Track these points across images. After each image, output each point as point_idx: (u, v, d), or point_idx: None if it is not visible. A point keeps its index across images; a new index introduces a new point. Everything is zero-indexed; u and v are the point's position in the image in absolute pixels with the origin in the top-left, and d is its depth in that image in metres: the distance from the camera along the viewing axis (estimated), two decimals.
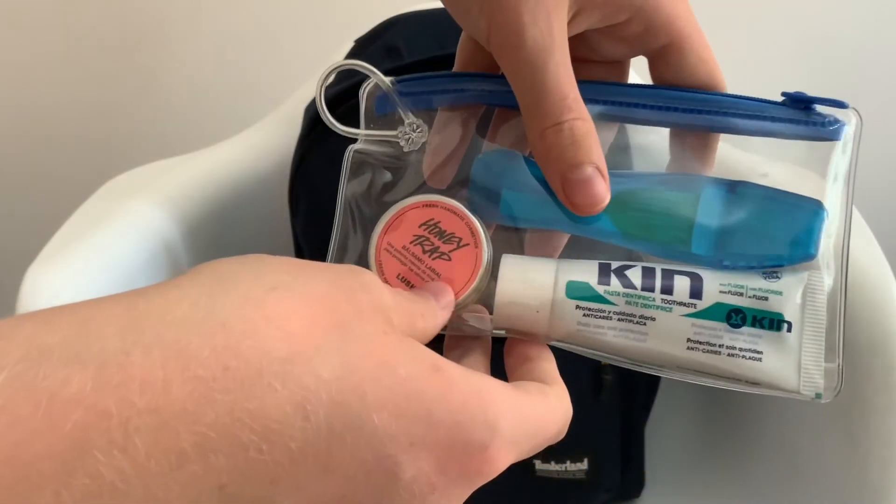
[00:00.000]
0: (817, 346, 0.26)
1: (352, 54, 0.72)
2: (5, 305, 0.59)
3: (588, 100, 0.27)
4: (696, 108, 0.28)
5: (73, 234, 0.64)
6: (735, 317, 0.26)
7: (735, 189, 0.28)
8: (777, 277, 0.26)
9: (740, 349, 0.26)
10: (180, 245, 0.66)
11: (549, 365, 0.27)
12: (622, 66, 0.32)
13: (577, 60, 0.28)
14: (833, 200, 0.27)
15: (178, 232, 0.66)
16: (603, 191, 0.26)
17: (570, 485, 0.66)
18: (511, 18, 0.26)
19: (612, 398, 0.66)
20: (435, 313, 0.26)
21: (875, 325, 0.58)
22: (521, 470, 0.65)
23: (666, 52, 0.29)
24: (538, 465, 0.65)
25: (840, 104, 0.28)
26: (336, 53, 0.74)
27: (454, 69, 0.33)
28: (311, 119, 0.65)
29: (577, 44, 0.29)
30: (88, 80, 1.00)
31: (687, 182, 0.28)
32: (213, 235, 0.69)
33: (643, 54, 0.30)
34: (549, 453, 0.65)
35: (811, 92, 0.28)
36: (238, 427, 0.18)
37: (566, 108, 0.26)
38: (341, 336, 0.21)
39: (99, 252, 0.62)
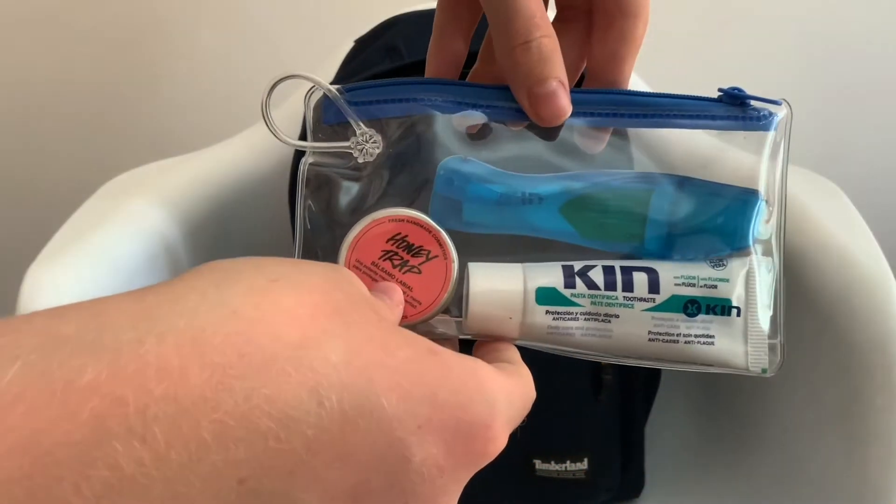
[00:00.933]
0: (762, 326, 0.28)
1: (352, 54, 0.72)
2: (6, 305, 0.59)
3: None
4: (641, 112, 0.29)
5: (73, 233, 0.64)
6: (691, 307, 0.28)
7: (682, 187, 0.29)
8: (723, 265, 0.28)
9: (695, 336, 0.28)
10: (180, 245, 0.66)
11: (514, 352, 0.28)
12: (582, 25, 0.32)
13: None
14: (769, 187, 0.29)
15: (178, 232, 0.66)
16: (566, 103, 0.28)
17: (570, 485, 0.66)
18: None
19: (612, 398, 0.66)
20: (393, 310, 0.27)
21: (875, 325, 0.58)
22: (521, 470, 0.65)
23: (619, 18, 0.30)
24: (538, 465, 0.65)
25: (774, 102, 0.29)
26: (336, 53, 0.74)
27: (434, 27, 0.33)
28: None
29: None
30: (88, 79, 1.00)
31: (638, 181, 0.30)
32: (214, 235, 0.69)
33: (601, 10, 0.30)
34: (549, 453, 0.65)
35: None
36: (256, 414, 0.18)
37: (534, 27, 0.28)
38: (342, 322, 0.21)
39: (99, 252, 0.62)
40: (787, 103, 0.30)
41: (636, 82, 0.80)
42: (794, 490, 0.65)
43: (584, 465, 0.65)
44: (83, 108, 1.01)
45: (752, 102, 0.29)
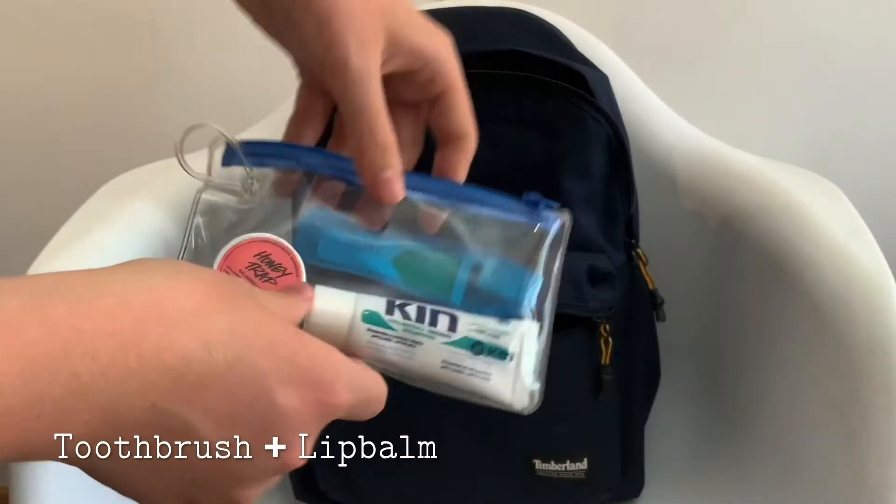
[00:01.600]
0: (528, 375, 0.36)
1: None
2: None
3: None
4: (463, 198, 0.39)
5: (74, 233, 0.64)
6: (477, 347, 0.36)
7: (484, 261, 0.39)
8: (507, 322, 0.37)
9: (477, 370, 0.36)
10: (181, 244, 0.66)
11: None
12: (417, 111, 0.40)
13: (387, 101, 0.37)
14: (545, 269, 0.38)
15: (178, 231, 0.66)
16: (399, 189, 0.37)
17: (570, 484, 0.66)
18: (341, 52, 0.36)
19: (612, 398, 0.67)
20: (299, 305, 0.35)
21: (875, 325, 0.58)
22: (521, 470, 0.66)
23: (441, 98, 0.39)
24: (538, 464, 0.65)
25: (559, 208, 0.39)
26: None
27: (292, 115, 0.41)
28: None
29: (384, 85, 0.37)
30: (89, 79, 1.00)
31: (453, 252, 0.39)
32: None
33: (427, 98, 0.39)
34: (549, 453, 0.65)
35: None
36: (165, 354, 0.27)
37: (378, 124, 0.36)
38: (229, 304, 0.29)
39: (100, 251, 0.62)
40: (570, 212, 0.39)
41: (640, 88, 0.80)
42: (794, 490, 0.65)
43: (584, 465, 0.66)
44: (83, 108, 1.01)
45: (544, 209, 0.39)
